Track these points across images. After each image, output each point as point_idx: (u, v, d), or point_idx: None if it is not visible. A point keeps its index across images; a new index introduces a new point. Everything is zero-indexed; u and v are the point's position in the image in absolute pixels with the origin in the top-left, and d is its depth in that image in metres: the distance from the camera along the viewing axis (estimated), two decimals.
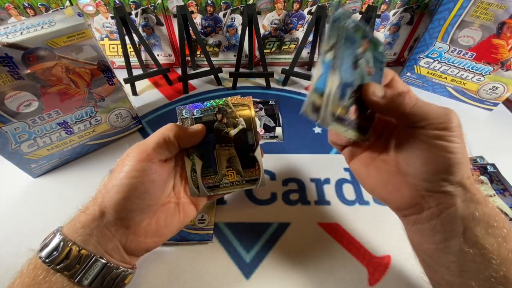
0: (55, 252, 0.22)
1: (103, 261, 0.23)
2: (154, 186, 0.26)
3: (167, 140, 0.26)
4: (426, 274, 0.25)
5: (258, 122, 0.45)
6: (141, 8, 0.51)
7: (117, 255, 0.25)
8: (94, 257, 0.23)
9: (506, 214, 0.36)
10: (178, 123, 0.30)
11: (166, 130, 0.27)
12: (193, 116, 0.31)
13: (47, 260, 0.22)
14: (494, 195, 0.38)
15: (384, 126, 0.27)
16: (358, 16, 0.53)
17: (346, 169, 0.42)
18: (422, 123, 0.23)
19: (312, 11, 0.53)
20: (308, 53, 0.59)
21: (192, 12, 0.52)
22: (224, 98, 0.31)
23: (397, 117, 0.24)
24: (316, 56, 0.56)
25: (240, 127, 0.31)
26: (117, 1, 0.50)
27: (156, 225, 0.27)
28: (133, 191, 0.24)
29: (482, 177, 0.40)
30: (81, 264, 0.22)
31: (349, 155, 0.29)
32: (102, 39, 0.56)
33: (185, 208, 0.30)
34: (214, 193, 0.31)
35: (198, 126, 0.29)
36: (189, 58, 0.59)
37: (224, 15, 0.53)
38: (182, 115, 0.31)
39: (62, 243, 0.22)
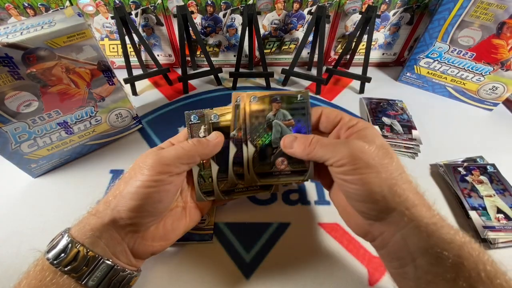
0: (63, 254, 0.22)
1: (110, 263, 0.23)
2: (169, 196, 0.27)
3: (189, 156, 0.27)
4: None
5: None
6: (141, 8, 0.51)
7: (124, 258, 0.25)
8: (102, 259, 0.23)
9: (506, 214, 0.36)
10: (186, 128, 0.31)
11: (188, 145, 0.27)
12: (210, 121, 0.31)
13: (54, 261, 0.22)
14: (494, 195, 0.38)
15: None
16: (358, 16, 0.53)
17: None
18: (329, 163, 0.25)
19: (312, 11, 0.53)
20: (308, 53, 0.59)
21: (192, 12, 0.52)
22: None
23: (312, 159, 0.27)
24: (316, 56, 0.56)
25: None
26: (117, 1, 0.50)
27: (164, 229, 0.28)
28: (148, 200, 0.24)
29: (482, 177, 0.40)
30: (89, 266, 0.22)
31: (327, 187, 0.31)
32: (102, 39, 0.56)
33: (191, 213, 0.30)
34: (229, 197, 0.31)
35: (218, 137, 0.29)
36: (189, 58, 0.59)
37: (224, 15, 0.53)
38: (191, 121, 0.31)
39: (70, 244, 0.22)
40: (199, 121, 0.31)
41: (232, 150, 0.29)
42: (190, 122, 0.31)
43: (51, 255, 0.22)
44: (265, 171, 0.29)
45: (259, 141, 0.29)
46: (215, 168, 0.30)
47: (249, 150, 0.29)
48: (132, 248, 0.26)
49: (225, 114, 0.31)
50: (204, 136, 0.31)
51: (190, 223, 0.30)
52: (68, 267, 0.22)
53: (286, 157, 0.29)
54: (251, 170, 0.29)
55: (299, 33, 0.56)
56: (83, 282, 0.22)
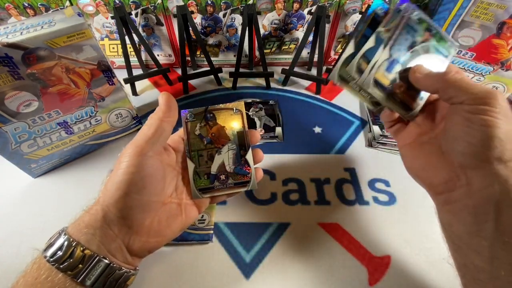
0: (59, 252, 0.22)
1: (106, 261, 0.23)
2: (152, 181, 0.26)
3: (155, 127, 0.27)
4: (453, 257, 0.25)
5: (257, 122, 0.44)
6: (141, 8, 0.51)
7: (120, 255, 0.25)
8: (98, 257, 0.23)
9: None
10: (183, 127, 0.31)
11: (149, 120, 0.28)
12: (206, 119, 0.32)
13: (51, 259, 0.22)
14: None
15: (432, 106, 0.28)
16: (358, 16, 0.53)
17: (346, 169, 0.42)
18: (462, 98, 0.23)
19: (312, 11, 0.53)
20: (308, 53, 0.59)
21: (192, 12, 0.52)
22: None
23: (440, 93, 0.26)
24: (316, 56, 0.56)
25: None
26: (117, 1, 0.50)
27: (158, 225, 0.28)
28: (132, 187, 0.24)
29: None
30: (84, 264, 0.22)
31: (395, 132, 0.32)
32: (102, 39, 0.56)
33: (187, 210, 0.30)
34: (208, 196, 0.31)
35: (162, 95, 0.29)
36: (189, 58, 0.59)
37: (224, 15, 0.53)
38: (187, 119, 0.32)
39: (66, 242, 0.22)
40: (194, 119, 0.31)
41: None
42: (186, 120, 0.31)
43: (48, 253, 0.22)
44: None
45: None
46: (191, 166, 0.31)
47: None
48: (128, 245, 0.25)
49: (220, 112, 0.32)
50: (200, 134, 0.31)
51: (187, 220, 0.30)
52: (64, 265, 0.22)
53: (406, 86, 0.28)
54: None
55: (299, 33, 0.56)
56: (78, 280, 0.22)
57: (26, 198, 0.39)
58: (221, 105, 0.32)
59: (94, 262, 0.22)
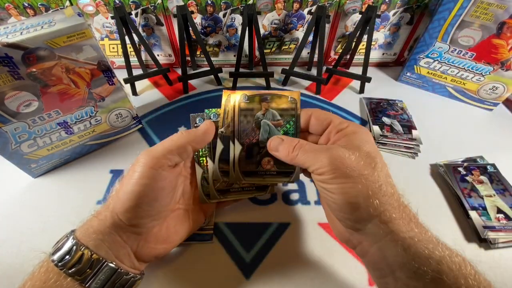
0: (67, 256, 0.22)
1: (114, 266, 0.23)
2: (164, 193, 0.26)
3: (179, 146, 0.26)
4: None
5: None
6: (141, 8, 0.51)
7: (127, 261, 0.25)
8: (106, 263, 0.23)
9: (506, 214, 0.36)
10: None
11: (177, 136, 0.27)
12: (211, 119, 0.31)
13: (59, 263, 0.22)
14: (494, 195, 0.38)
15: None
16: (358, 16, 0.53)
17: None
18: (310, 170, 0.25)
19: (312, 11, 0.53)
20: (308, 53, 0.59)
21: (192, 12, 0.52)
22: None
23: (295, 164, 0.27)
24: (316, 56, 0.56)
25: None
26: (117, 1, 0.50)
27: (166, 232, 0.28)
28: (143, 198, 0.24)
29: (482, 177, 0.40)
30: (93, 269, 0.22)
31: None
32: (102, 39, 0.56)
33: (194, 215, 0.31)
34: (225, 198, 0.31)
35: (207, 123, 0.29)
36: (189, 58, 0.59)
37: (224, 15, 0.53)
38: (196, 123, 0.31)
39: (75, 247, 0.22)
40: (218, 119, 0.31)
41: (219, 147, 0.29)
42: (195, 125, 0.31)
43: (56, 257, 0.22)
44: (251, 170, 0.29)
45: (247, 139, 0.29)
46: (199, 171, 0.30)
47: (236, 148, 0.29)
48: (136, 251, 0.25)
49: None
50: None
51: (193, 226, 0.30)
52: (72, 270, 0.22)
53: (273, 158, 0.29)
54: (237, 168, 0.29)
55: (299, 33, 0.56)
56: (86, 285, 0.22)
57: (26, 198, 0.39)
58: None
59: (102, 267, 0.23)
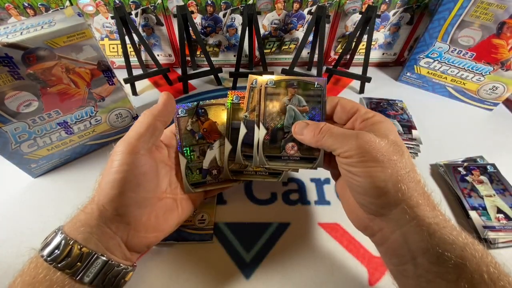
0: (56, 251, 0.22)
1: (104, 258, 0.23)
2: (146, 178, 0.26)
3: (148, 125, 0.26)
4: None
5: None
6: (141, 8, 0.51)
7: (118, 252, 0.25)
8: (96, 255, 0.23)
9: (506, 214, 0.36)
10: (174, 123, 0.31)
11: (142, 117, 0.27)
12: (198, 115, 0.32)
13: (48, 258, 0.22)
14: (494, 195, 0.38)
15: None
16: (358, 16, 0.53)
17: None
18: (336, 153, 0.25)
19: (312, 11, 0.53)
20: (308, 53, 0.59)
21: (192, 12, 0.52)
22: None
23: (321, 147, 0.27)
24: (316, 56, 0.56)
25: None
26: (117, 1, 0.50)
27: (156, 220, 0.28)
28: (126, 185, 0.24)
29: (482, 177, 0.40)
30: (83, 262, 0.22)
31: (334, 178, 0.31)
32: (102, 39, 0.56)
33: (183, 204, 0.31)
34: (237, 178, 0.31)
35: (162, 95, 0.29)
36: (189, 58, 0.59)
37: (224, 15, 0.53)
38: (178, 114, 0.32)
39: (63, 241, 0.22)
40: (186, 115, 0.31)
41: (243, 131, 0.30)
42: (177, 116, 0.31)
43: (45, 252, 0.22)
44: (275, 154, 0.29)
45: (272, 124, 0.29)
46: (228, 147, 0.30)
47: (260, 132, 0.29)
48: (126, 241, 0.25)
49: (211, 107, 0.32)
50: (191, 129, 0.32)
51: (182, 215, 0.31)
52: (62, 264, 0.22)
53: (297, 143, 0.29)
54: (261, 152, 0.29)
55: (299, 33, 0.56)
56: (77, 278, 0.22)
57: (26, 198, 0.39)
58: (212, 100, 0.32)
59: (93, 259, 0.22)
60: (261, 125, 0.29)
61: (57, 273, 0.22)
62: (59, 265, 0.22)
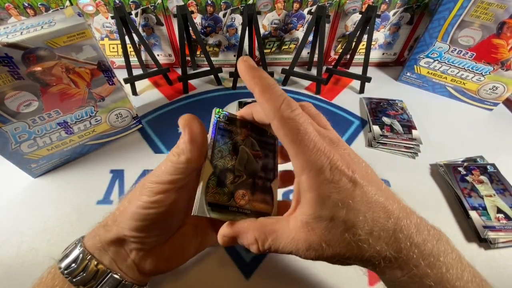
0: (73, 264, 0.22)
1: (118, 277, 0.23)
2: (173, 215, 0.25)
3: (178, 165, 0.22)
4: None
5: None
6: (141, 8, 0.51)
7: (131, 273, 0.25)
8: (110, 274, 0.23)
9: (506, 214, 0.36)
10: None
11: (172, 153, 0.22)
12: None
13: (65, 271, 0.22)
14: (494, 195, 0.38)
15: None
16: (358, 16, 0.53)
17: None
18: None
19: (312, 11, 0.53)
20: (308, 53, 0.59)
21: (192, 12, 0.52)
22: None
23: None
24: (316, 56, 0.56)
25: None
26: (117, 1, 0.50)
27: (170, 250, 0.26)
28: (150, 221, 0.23)
29: (482, 177, 0.40)
30: (97, 280, 0.22)
31: None
32: (102, 39, 0.56)
33: (203, 232, 0.28)
34: (217, 215, 0.22)
35: (183, 120, 0.22)
36: (189, 58, 0.59)
37: (224, 15, 0.53)
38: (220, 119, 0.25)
39: (81, 255, 0.23)
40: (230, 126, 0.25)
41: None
42: (219, 120, 0.25)
43: (63, 264, 0.23)
44: (221, 202, 0.22)
45: (221, 162, 0.23)
46: (208, 170, 0.23)
47: (205, 170, 0.22)
48: (139, 266, 0.25)
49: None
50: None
51: (202, 244, 0.28)
52: (77, 279, 0.22)
53: (249, 190, 0.23)
54: (202, 197, 0.21)
55: (299, 33, 0.56)
56: None
57: (26, 198, 0.39)
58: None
59: (107, 278, 0.23)
60: (207, 161, 0.22)
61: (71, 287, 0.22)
62: (74, 279, 0.22)
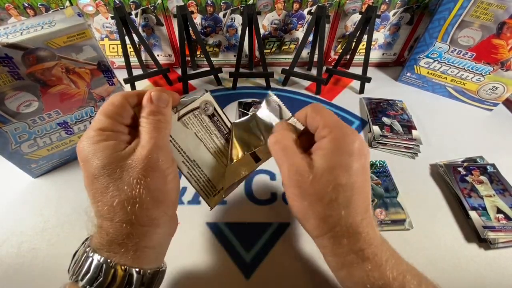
0: (101, 278, 0.19)
1: (139, 271, 0.21)
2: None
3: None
4: None
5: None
6: (141, 8, 0.51)
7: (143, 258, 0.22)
8: (133, 272, 0.20)
9: (506, 214, 0.36)
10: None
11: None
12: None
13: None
14: (494, 195, 0.38)
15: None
16: (358, 17, 0.53)
17: None
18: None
19: (312, 11, 0.53)
20: (308, 53, 0.59)
21: (192, 12, 0.52)
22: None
23: None
24: (316, 56, 0.56)
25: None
26: (117, 1, 0.50)
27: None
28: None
29: (482, 177, 0.40)
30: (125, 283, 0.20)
31: None
32: (102, 39, 0.56)
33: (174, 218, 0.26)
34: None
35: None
36: (189, 58, 0.59)
37: (224, 15, 0.53)
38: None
39: (104, 265, 0.19)
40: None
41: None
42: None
43: (85, 281, 0.19)
44: None
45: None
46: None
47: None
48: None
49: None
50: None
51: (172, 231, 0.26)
52: None
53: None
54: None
55: (299, 33, 0.56)
56: None
57: (26, 198, 0.39)
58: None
59: (134, 277, 0.20)
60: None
61: None
62: None
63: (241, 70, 0.55)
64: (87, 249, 0.21)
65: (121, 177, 0.20)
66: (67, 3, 0.49)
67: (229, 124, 0.29)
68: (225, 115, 0.28)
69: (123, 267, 0.20)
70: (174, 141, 0.25)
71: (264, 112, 0.29)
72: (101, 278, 0.19)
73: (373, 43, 0.58)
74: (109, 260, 0.20)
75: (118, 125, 0.22)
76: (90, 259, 0.20)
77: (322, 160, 0.21)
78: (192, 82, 0.58)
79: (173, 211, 0.24)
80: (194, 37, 0.54)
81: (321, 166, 0.21)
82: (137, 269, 0.20)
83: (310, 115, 0.24)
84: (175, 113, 0.25)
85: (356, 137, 0.22)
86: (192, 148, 0.26)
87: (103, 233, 0.21)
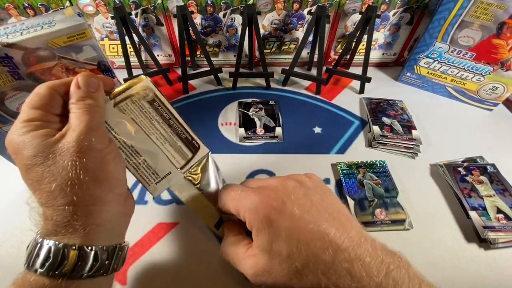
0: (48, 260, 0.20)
1: (96, 248, 0.21)
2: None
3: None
4: None
5: (257, 122, 0.42)
6: (141, 8, 0.51)
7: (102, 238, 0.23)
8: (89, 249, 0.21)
9: (506, 214, 0.36)
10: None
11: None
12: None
13: (42, 270, 0.20)
14: (494, 195, 0.38)
15: None
16: (358, 17, 0.53)
17: None
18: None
19: (312, 11, 0.53)
20: (308, 53, 0.59)
21: (192, 12, 0.52)
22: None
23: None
24: (316, 56, 0.56)
25: None
26: (117, 1, 0.50)
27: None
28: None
29: (482, 177, 0.40)
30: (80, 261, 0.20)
31: None
32: (102, 39, 0.56)
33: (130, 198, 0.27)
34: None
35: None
36: (189, 58, 0.59)
37: (224, 15, 0.53)
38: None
39: (53, 247, 0.20)
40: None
41: None
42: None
43: (37, 265, 0.20)
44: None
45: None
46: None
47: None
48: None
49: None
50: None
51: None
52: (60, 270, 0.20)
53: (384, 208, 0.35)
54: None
55: (299, 33, 0.56)
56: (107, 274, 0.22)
57: (26, 198, 0.39)
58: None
59: (89, 254, 0.21)
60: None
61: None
62: (56, 272, 0.20)
63: (241, 70, 0.55)
64: (37, 237, 0.21)
65: (54, 163, 0.20)
66: (67, 3, 0.49)
67: (173, 111, 0.27)
68: (167, 100, 0.27)
69: (74, 247, 0.20)
70: (110, 126, 0.25)
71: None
72: (51, 259, 0.20)
73: (373, 43, 0.58)
74: (57, 242, 0.20)
75: (47, 115, 0.22)
76: (39, 245, 0.20)
77: (258, 242, 0.23)
78: (192, 82, 0.58)
79: (121, 189, 0.24)
80: (194, 37, 0.54)
81: (261, 246, 0.23)
82: (89, 247, 0.21)
83: (222, 206, 0.28)
84: (111, 99, 0.25)
85: (259, 205, 0.24)
86: (129, 134, 0.26)
87: (48, 220, 0.21)
